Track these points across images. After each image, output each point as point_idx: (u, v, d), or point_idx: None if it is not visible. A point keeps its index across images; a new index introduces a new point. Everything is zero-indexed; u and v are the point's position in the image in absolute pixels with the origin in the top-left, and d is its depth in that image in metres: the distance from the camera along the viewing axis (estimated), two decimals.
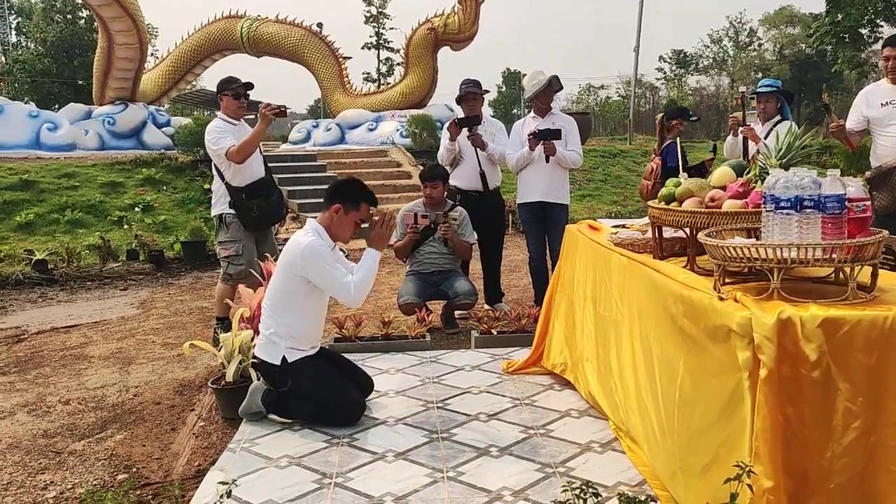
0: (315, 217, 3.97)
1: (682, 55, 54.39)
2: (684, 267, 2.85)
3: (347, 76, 17.21)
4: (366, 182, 4.15)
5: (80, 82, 30.55)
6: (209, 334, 5.24)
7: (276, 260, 4.22)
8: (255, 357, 3.83)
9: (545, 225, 5.65)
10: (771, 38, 50.52)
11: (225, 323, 4.95)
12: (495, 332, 4.97)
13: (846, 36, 23.01)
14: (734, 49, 53.20)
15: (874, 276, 2.33)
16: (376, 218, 3.82)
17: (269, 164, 5.41)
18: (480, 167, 5.77)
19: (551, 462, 3.10)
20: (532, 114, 5.81)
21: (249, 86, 5.14)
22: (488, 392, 4.03)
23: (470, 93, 5.83)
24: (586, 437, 3.38)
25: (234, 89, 5.07)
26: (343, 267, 3.74)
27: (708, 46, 53.82)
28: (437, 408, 3.81)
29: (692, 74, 54.32)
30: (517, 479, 2.97)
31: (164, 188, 11.38)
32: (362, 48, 46.99)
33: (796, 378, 2.08)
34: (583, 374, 3.75)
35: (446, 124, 5.96)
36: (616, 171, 15.00)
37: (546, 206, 5.60)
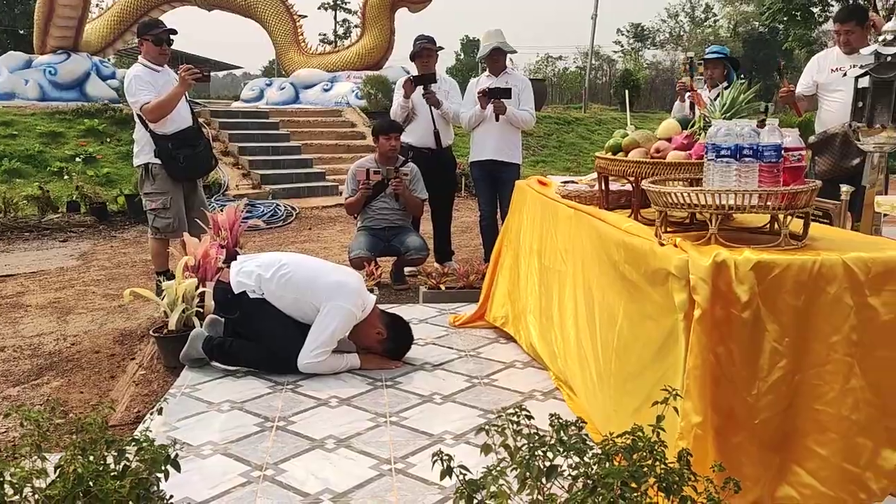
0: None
1: (639, 29, 54.68)
2: (629, 217, 2.89)
3: (303, 34, 16.87)
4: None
5: (21, 31, 29.31)
6: (153, 287, 5.15)
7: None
8: (219, 281, 3.77)
9: (496, 184, 5.66)
10: (726, 14, 51.06)
11: (168, 275, 4.86)
12: (444, 288, 4.99)
13: (798, 14, 23.42)
14: (690, 25, 53.70)
15: (806, 225, 2.40)
16: (395, 363, 3.72)
17: (221, 120, 5.28)
18: (434, 125, 5.74)
19: (493, 409, 3.14)
20: (486, 72, 5.79)
21: (173, 31, 4.95)
22: (434, 344, 4.06)
23: (425, 48, 5.76)
24: (529, 386, 3.44)
25: (156, 35, 4.88)
26: (337, 344, 3.62)
27: (665, 21, 54.23)
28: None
29: (649, 48, 54.71)
30: (459, 424, 3.00)
31: (108, 140, 11.03)
32: (319, 8, 46.04)
33: (728, 319, 2.14)
34: (525, 326, 3.80)
35: (400, 81, 5.89)
36: (570, 138, 15.09)
37: (497, 165, 5.61)
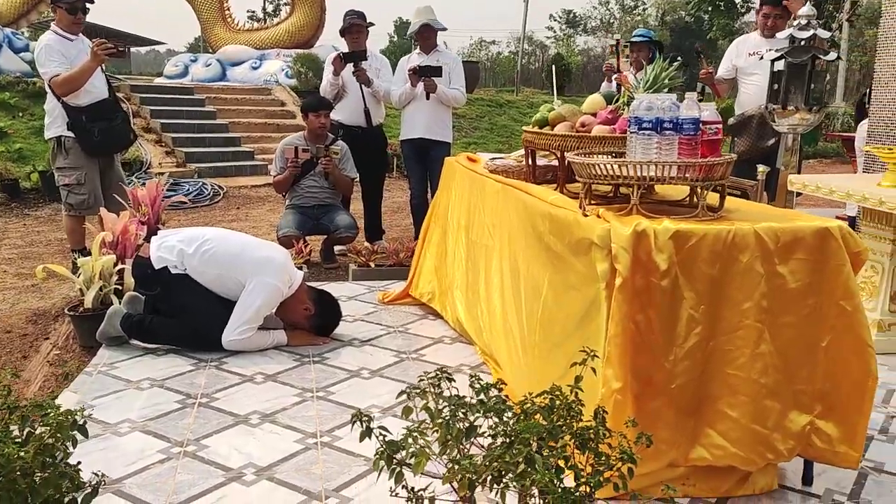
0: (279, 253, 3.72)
1: (571, 15, 55.30)
2: (555, 190, 2.92)
3: (229, 10, 16.39)
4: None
5: None
6: (69, 266, 4.95)
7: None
8: (138, 257, 3.65)
9: (427, 162, 5.65)
10: (654, 3, 52.07)
11: (84, 252, 4.68)
12: (373, 266, 4.96)
13: (721, 4, 24.10)
14: (620, 12, 54.57)
15: (722, 197, 2.48)
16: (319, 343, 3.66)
17: (142, 95, 5.09)
18: (365, 103, 5.68)
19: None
20: (417, 50, 5.75)
21: (89, 0, 4.74)
22: (363, 321, 4.04)
23: (354, 24, 5.68)
24: (457, 360, 3.46)
25: (70, 3, 4.66)
26: (264, 322, 3.56)
27: (596, 8, 54.93)
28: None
29: (580, 35, 55.39)
30: (386, 398, 3.00)
31: (21, 115, 10.50)
32: None
33: (648, 287, 2.19)
34: (451, 301, 3.82)
35: (330, 57, 5.80)
36: (502, 120, 15.18)
37: (427, 144, 5.60)
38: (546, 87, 23.51)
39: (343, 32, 5.78)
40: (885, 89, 4.71)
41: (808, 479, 2.39)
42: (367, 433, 1.40)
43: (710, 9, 24.80)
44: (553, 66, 4.41)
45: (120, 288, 3.80)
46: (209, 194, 8.97)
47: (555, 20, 55.71)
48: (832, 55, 4.38)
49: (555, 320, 2.56)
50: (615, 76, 5.53)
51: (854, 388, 2.24)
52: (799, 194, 4.64)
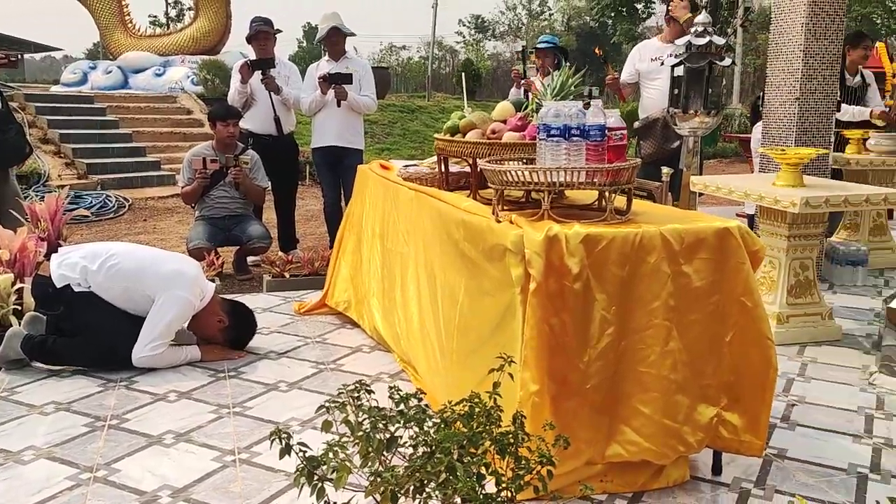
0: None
1: (480, 20, 56.01)
2: (468, 197, 2.96)
3: (129, 15, 15.81)
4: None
5: None
6: None
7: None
8: (38, 275, 3.46)
9: (339, 170, 5.61)
10: (560, 8, 53.38)
11: None
12: (288, 276, 4.88)
13: (624, 10, 24.95)
14: (528, 17, 55.69)
15: (629, 200, 2.56)
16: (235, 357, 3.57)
17: (38, 105, 4.85)
18: (274, 111, 5.58)
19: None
20: (326, 57, 5.71)
21: None
22: (279, 332, 3.97)
23: (261, 31, 5.59)
24: (376, 369, 3.44)
25: None
26: (176, 337, 3.45)
27: (504, 13, 55.85)
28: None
29: (489, 40, 56.17)
30: (306, 410, 2.95)
31: None
32: None
33: (561, 290, 2.24)
34: (368, 310, 3.80)
35: (237, 66, 5.68)
36: (415, 126, 15.21)
37: (340, 151, 5.55)
38: (457, 92, 23.71)
39: (249, 39, 5.68)
40: (777, 92, 4.98)
41: (717, 468, 2.49)
42: (286, 450, 1.38)
43: (613, 14, 25.64)
44: (463, 74, 4.44)
45: (19, 308, 3.61)
46: (113, 207, 8.62)
47: (464, 25, 56.32)
48: (727, 61, 4.60)
49: (471, 326, 2.59)
50: (523, 82, 5.65)
51: (756, 379, 2.36)
52: (702, 194, 4.85)
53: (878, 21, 29.44)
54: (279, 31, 5.81)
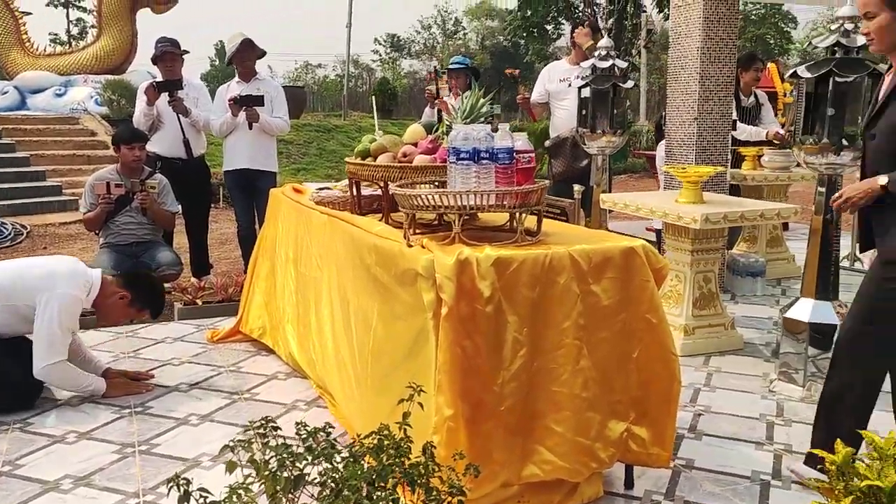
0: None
1: (395, 39, 56.26)
2: (380, 221, 2.94)
3: (27, 33, 15.11)
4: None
5: None
6: None
7: None
8: None
9: (252, 193, 5.49)
10: (474, 28, 54.25)
11: None
12: (200, 303, 4.74)
13: (535, 30, 25.54)
14: (442, 37, 56.31)
15: (539, 221, 2.61)
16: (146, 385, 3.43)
17: None
18: (183, 133, 5.42)
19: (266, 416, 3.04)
20: (237, 79, 5.59)
21: None
22: (191, 362, 3.84)
23: (167, 52, 5.43)
24: (292, 397, 3.37)
25: None
26: (70, 337, 3.27)
27: (419, 32, 56.27)
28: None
29: (405, 58, 56.47)
30: (218, 444, 2.82)
31: None
32: (48, 5, 41.57)
33: (473, 314, 2.25)
34: (283, 336, 3.73)
35: (142, 87, 5.50)
36: (331, 145, 15.10)
37: (252, 174, 5.44)
38: (373, 112, 23.74)
39: (155, 60, 5.51)
40: (677, 113, 5.19)
41: (629, 482, 2.55)
42: (184, 498, 1.33)
43: (525, 35, 26.21)
44: (373, 98, 4.46)
45: None
46: (9, 235, 8.17)
47: (380, 44, 56.46)
48: (630, 83, 4.77)
49: (385, 351, 2.57)
50: (436, 102, 5.69)
51: (662, 393, 2.43)
52: (610, 211, 5.00)
53: (772, 41, 31.22)
54: (186, 51, 5.67)
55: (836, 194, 2.42)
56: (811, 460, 2.50)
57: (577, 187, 4.64)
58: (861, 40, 3.11)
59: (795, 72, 3.20)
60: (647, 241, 2.55)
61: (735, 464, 2.72)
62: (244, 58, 5.39)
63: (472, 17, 54.66)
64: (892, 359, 2.46)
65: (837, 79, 3.09)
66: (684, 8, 5.07)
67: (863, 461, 1.84)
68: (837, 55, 3.13)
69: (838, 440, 1.91)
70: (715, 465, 2.71)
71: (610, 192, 5.25)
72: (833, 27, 3.18)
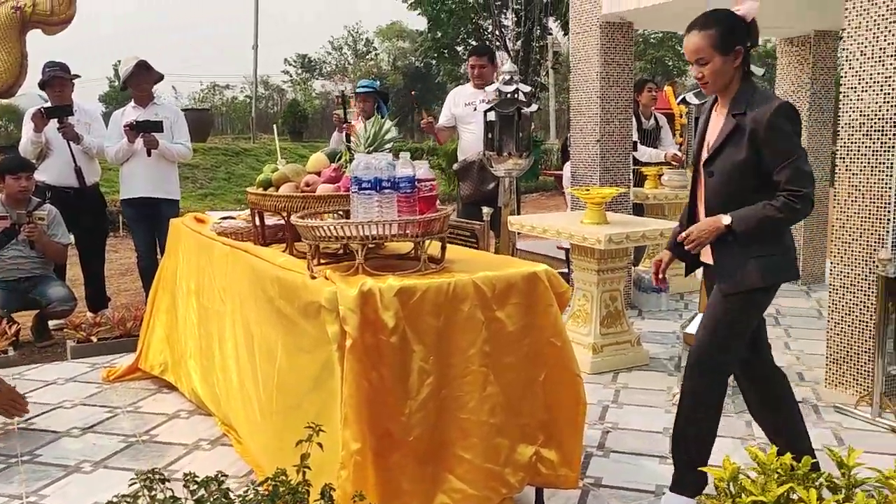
0: None
1: (306, 59, 55.81)
2: (283, 251, 2.88)
3: None
4: None
5: None
6: None
7: None
8: None
9: (154, 222, 5.28)
10: (385, 49, 54.45)
11: None
12: (96, 340, 4.51)
13: (445, 51, 25.91)
14: (354, 57, 56.25)
15: (443, 248, 2.61)
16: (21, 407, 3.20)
17: None
18: (75, 161, 5.18)
19: (155, 468, 2.89)
20: (133, 103, 5.39)
21: None
22: (84, 405, 3.63)
23: (56, 77, 5.19)
24: (194, 436, 3.24)
25: None
26: None
27: (330, 53, 56.03)
28: (18, 429, 3.31)
29: (317, 79, 56.05)
30: (114, 492, 2.68)
31: None
32: None
33: (377, 345, 2.22)
34: (185, 372, 3.59)
35: (29, 113, 5.23)
36: (240, 169, 14.79)
37: (153, 202, 5.24)
38: (283, 133, 23.41)
39: (43, 85, 5.26)
40: (581, 135, 5.34)
41: None
42: None
43: (436, 56, 26.54)
44: (275, 126, 4.39)
45: None
46: None
47: (290, 64, 55.88)
48: (534, 107, 4.88)
49: (290, 384, 2.51)
50: (344, 126, 5.65)
51: (568, 415, 2.46)
52: (518, 232, 5.07)
53: (670, 63, 32.67)
54: (77, 76, 5.43)
55: (685, 234, 2.47)
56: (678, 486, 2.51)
57: (485, 209, 4.67)
58: None
59: (685, 98, 3.34)
60: (558, 258, 2.60)
61: (640, 479, 2.77)
62: (140, 81, 5.21)
63: (383, 38, 54.88)
64: (734, 366, 2.56)
65: None
66: (583, 35, 5.24)
67: (748, 476, 1.90)
68: None
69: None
70: (621, 481, 2.76)
71: (519, 213, 5.33)
72: None
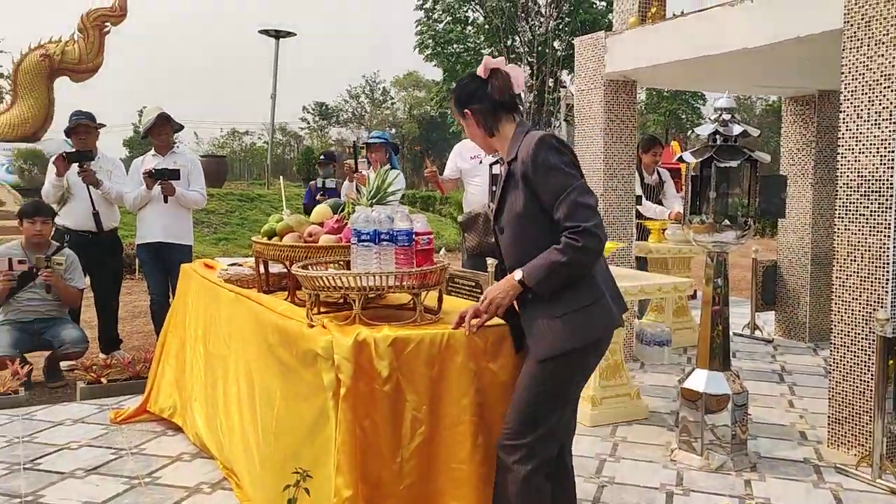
0: None
1: (323, 107, 56.85)
2: (286, 299, 2.97)
3: None
4: None
5: None
6: None
7: None
8: None
9: (167, 267, 5.41)
10: (402, 98, 55.38)
11: None
12: (105, 381, 4.59)
13: None
14: (371, 106, 57.24)
15: (440, 300, 2.69)
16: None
17: None
18: (94, 206, 5.34)
19: None
20: (153, 151, 5.58)
21: None
22: (90, 446, 3.70)
23: (81, 125, 5.40)
24: (196, 479, 3.29)
25: None
26: None
27: (347, 101, 57.06)
28: (25, 469, 3.38)
29: (334, 126, 57.00)
30: None
31: None
32: None
33: (371, 393, 2.29)
34: (191, 415, 3.65)
35: (52, 158, 5.43)
36: (254, 215, 15.01)
37: (167, 247, 5.38)
38: (298, 180, 23.77)
39: (69, 133, 5.47)
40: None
41: None
42: None
43: (449, 105, 27.02)
44: (281, 178, 4.54)
45: None
46: None
47: (308, 112, 56.92)
48: None
49: (288, 431, 2.57)
50: (355, 176, 5.79)
51: None
52: None
53: (684, 117, 32.98)
54: (102, 125, 5.64)
55: (482, 298, 2.29)
56: None
57: (490, 261, 4.76)
58: (738, 129, 3.39)
59: (682, 156, 3.44)
60: None
61: None
62: (160, 132, 5.41)
63: (399, 88, 55.86)
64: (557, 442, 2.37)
65: (718, 164, 3.33)
66: (587, 92, 5.38)
67: None
68: (718, 142, 3.39)
69: None
70: None
71: None
72: (713, 117, 3.45)
